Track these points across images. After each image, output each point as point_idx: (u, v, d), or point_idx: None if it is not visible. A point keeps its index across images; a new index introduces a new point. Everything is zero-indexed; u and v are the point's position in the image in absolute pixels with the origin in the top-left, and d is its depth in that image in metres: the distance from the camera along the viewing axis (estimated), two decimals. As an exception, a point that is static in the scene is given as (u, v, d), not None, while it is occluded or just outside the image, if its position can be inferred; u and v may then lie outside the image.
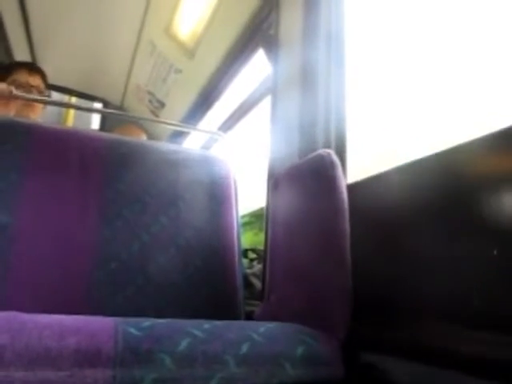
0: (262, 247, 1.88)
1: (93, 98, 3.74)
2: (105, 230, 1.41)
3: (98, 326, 0.80)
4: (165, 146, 1.80)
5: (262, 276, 1.60)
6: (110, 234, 1.41)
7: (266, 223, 1.51)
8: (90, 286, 1.32)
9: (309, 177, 1.20)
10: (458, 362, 0.74)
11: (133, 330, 0.80)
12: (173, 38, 2.58)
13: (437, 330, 0.84)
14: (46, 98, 2.10)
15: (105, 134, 1.63)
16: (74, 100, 3.69)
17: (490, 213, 0.78)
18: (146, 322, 0.84)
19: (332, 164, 1.10)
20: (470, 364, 0.72)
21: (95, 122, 4.10)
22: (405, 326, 0.92)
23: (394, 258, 1.01)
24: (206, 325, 0.89)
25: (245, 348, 0.84)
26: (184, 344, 0.80)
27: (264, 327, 0.94)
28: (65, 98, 3.69)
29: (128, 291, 1.35)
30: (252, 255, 2.05)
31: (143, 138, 3.44)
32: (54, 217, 1.38)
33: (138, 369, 0.75)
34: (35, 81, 2.15)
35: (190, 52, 2.54)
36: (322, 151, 1.24)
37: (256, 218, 2.20)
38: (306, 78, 1.50)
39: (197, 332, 0.84)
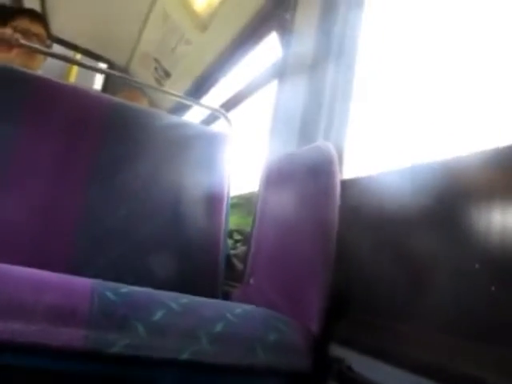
0: (247, 229, 1.89)
1: (98, 58, 3.68)
2: (92, 192, 1.40)
3: (76, 286, 0.80)
4: (166, 116, 1.79)
5: (244, 258, 1.61)
6: (97, 196, 1.40)
7: (256, 206, 1.52)
8: (72, 245, 1.32)
9: (304, 167, 1.20)
10: (424, 366, 0.75)
11: (110, 294, 0.80)
12: (187, 7, 2.54)
13: (410, 336, 0.85)
14: (49, 50, 2.06)
15: (107, 96, 1.61)
16: (78, 57, 3.63)
17: (475, 226, 0.79)
18: (124, 289, 0.84)
19: (329, 157, 1.10)
20: (439, 371, 0.73)
21: (98, 82, 4.04)
22: (379, 327, 0.93)
23: (377, 258, 1.02)
24: (184, 299, 0.89)
25: (219, 327, 0.85)
26: (159, 314, 0.81)
27: (240, 309, 0.95)
28: (69, 53, 3.63)
29: (109, 256, 1.35)
30: (237, 236, 2.05)
31: (145, 104, 3.41)
32: (43, 171, 1.36)
33: (111, 333, 0.75)
34: (37, 29, 2.10)
35: (202, 24, 2.50)
36: (320, 143, 1.24)
37: (245, 200, 2.20)
38: (315, 68, 1.49)
39: (173, 304, 0.84)
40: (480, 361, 0.69)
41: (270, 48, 2.10)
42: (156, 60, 3.18)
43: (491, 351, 0.69)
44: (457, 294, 0.80)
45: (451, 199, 0.87)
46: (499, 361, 0.67)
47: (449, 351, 0.75)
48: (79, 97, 1.48)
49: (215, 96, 2.75)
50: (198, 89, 2.87)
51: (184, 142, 1.61)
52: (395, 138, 1.23)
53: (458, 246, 0.83)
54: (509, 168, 0.78)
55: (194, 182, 1.59)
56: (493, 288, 0.72)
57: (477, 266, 0.75)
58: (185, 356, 0.80)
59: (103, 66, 3.71)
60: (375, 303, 0.99)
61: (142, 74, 3.48)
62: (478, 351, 0.71)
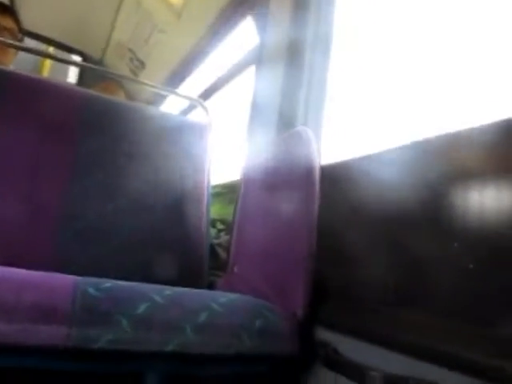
0: (230, 218, 1.89)
1: (72, 50, 3.60)
2: (73, 188, 1.38)
3: (57, 283, 0.79)
4: (143, 107, 1.76)
5: (228, 247, 1.61)
6: (79, 192, 1.38)
7: (238, 195, 1.51)
8: (55, 242, 1.30)
9: (284, 154, 1.20)
10: (405, 345, 0.77)
11: (92, 290, 0.79)
12: (160, -4, 2.50)
13: (391, 317, 0.86)
14: (22, 44, 2.01)
15: (82, 89, 1.58)
16: (51, 50, 3.55)
17: (453, 207, 0.80)
18: (107, 284, 0.84)
19: (308, 142, 1.10)
20: (420, 349, 0.74)
21: (72, 75, 3.97)
22: (360, 309, 0.95)
23: (359, 242, 1.03)
24: (167, 291, 0.89)
25: (203, 317, 0.85)
26: (142, 308, 0.80)
27: (224, 298, 0.95)
28: (42, 47, 3.54)
29: (94, 252, 1.34)
30: (220, 226, 2.04)
31: (121, 96, 3.36)
32: (21, 169, 1.34)
33: (94, 328, 0.75)
34: (7, 22, 2.04)
35: (176, 12, 2.46)
36: (299, 128, 1.24)
37: (227, 189, 2.19)
38: (292, 54, 1.48)
39: (157, 297, 0.84)
40: (460, 337, 0.71)
41: (246, 34, 2.08)
42: (131, 50, 3.13)
43: (469, 328, 0.71)
44: (436, 273, 0.81)
45: (429, 181, 0.88)
46: (478, 337, 0.68)
47: (429, 329, 0.76)
48: (54, 91, 1.45)
49: (192, 85, 2.72)
50: (175, 78, 2.84)
51: (162, 134, 1.60)
52: (372, 122, 1.23)
53: (437, 227, 0.84)
54: (484, 148, 0.79)
55: (174, 174, 1.58)
56: (471, 266, 0.73)
57: (456, 244, 0.76)
58: (170, 348, 0.80)
59: (77, 58, 3.64)
60: (358, 286, 1.00)
61: (117, 65, 3.42)
62: (458, 328, 0.72)
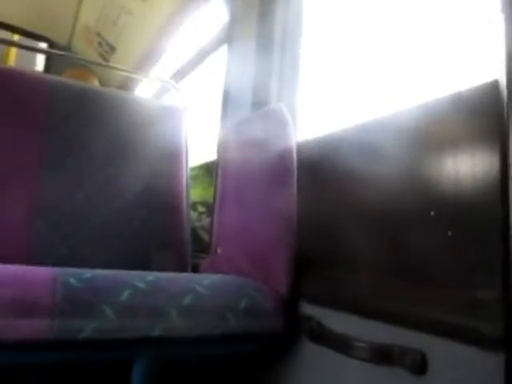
0: (211, 201, 1.88)
1: (38, 37, 3.49)
2: (45, 178, 1.35)
3: (37, 276, 0.78)
4: (114, 92, 1.73)
5: (210, 229, 1.60)
6: (51, 182, 1.35)
7: (216, 177, 1.51)
8: (30, 235, 1.28)
9: (260, 131, 1.19)
10: (389, 315, 0.78)
11: (73, 281, 0.78)
12: (124, -24, 2.43)
13: (372, 286, 0.87)
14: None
15: (48, 76, 1.54)
16: (16, 38, 3.43)
17: (428, 175, 0.81)
18: (88, 273, 0.83)
19: (283, 119, 1.10)
20: (400, 317, 0.76)
21: (40, 63, 3.85)
22: (342, 281, 0.96)
23: (336, 215, 1.04)
24: (150, 277, 0.88)
25: (188, 300, 0.85)
26: (125, 295, 0.80)
27: (208, 279, 0.95)
28: (6, 35, 3.43)
29: (72, 242, 1.32)
30: (201, 208, 2.04)
31: (94, 82, 3.28)
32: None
33: (78, 319, 0.74)
34: None
35: (142, -7, 2.40)
36: (274, 105, 1.23)
37: (206, 171, 2.18)
38: (263, 30, 1.46)
39: (139, 283, 0.84)
40: (441, 303, 0.72)
41: (216, 12, 2.04)
42: (99, 35, 3.05)
43: (450, 293, 0.72)
44: (416, 241, 0.82)
45: (403, 152, 0.88)
46: (458, 301, 0.70)
47: (412, 297, 0.78)
48: (19, 79, 1.41)
49: (165, 67, 2.67)
50: (146, 61, 2.78)
51: (136, 118, 1.57)
52: (343, 97, 1.23)
53: (415, 197, 0.85)
54: (454, 118, 0.80)
55: (149, 158, 1.56)
56: (449, 233, 0.74)
57: (432, 213, 0.77)
58: (156, 333, 0.80)
59: (44, 45, 3.53)
60: (340, 259, 1.01)
61: (86, 50, 3.33)
62: (439, 294, 0.74)
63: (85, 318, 0.74)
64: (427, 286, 0.77)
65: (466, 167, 0.76)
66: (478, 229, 0.72)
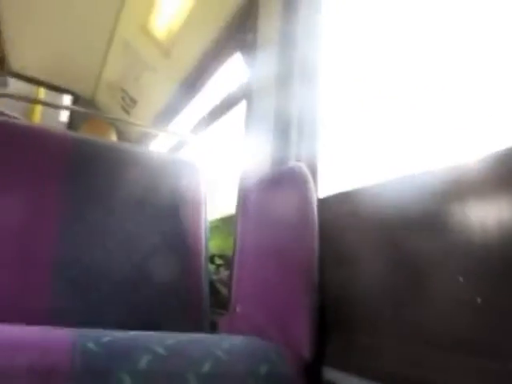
0: (229, 253, 1.87)
1: (63, 91, 3.63)
2: (65, 234, 1.36)
3: (55, 340, 0.77)
4: (132, 147, 1.76)
5: (229, 284, 1.58)
6: (71, 238, 1.36)
7: (235, 230, 1.50)
8: (49, 292, 1.27)
9: (280, 189, 1.19)
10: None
11: (92, 345, 0.77)
12: (148, 35, 2.53)
13: (399, 353, 0.84)
14: (13, 92, 2.02)
15: (70, 133, 1.58)
16: (42, 91, 3.57)
17: (457, 237, 0.79)
18: (106, 337, 0.81)
19: (303, 177, 1.10)
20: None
21: (64, 113, 3.98)
22: (369, 346, 0.92)
23: (361, 276, 1.01)
24: (169, 340, 0.86)
25: (207, 366, 0.83)
26: (144, 361, 0.78)
27: (228, 342, 0.93)
28: (33, 88, 3.57)
29: (91, 298, 1.31)
30: (219, 261, 2.03)
31: (112, 133, 3.37)
32: (9, 218, 1.32)
33: (96, 388, 0.72)
34: None
35: (165, 51, 2.49)
36: (293, 164, 1.24)
37: (225, 222, 2.18)
38: (282, 86, 1.49)
39: (158, 348, 0.82)
40: (466, 372, 0.69)
41: (236, 69, 2.10)
42: (122, 89, 3.16)
43: (475, 362, 0.69)
44: (443, 307, 0.80)
45: (429, 210, 0.87)
46: (486, 371, 0.67)
47: (440, 367, 0.74)
48: (42, 137, 1.45)
49: (184, 121, 2.74)
50: (167, 114, 2.86)
51: (155, 173, 1.59)
52: (366, 153, 1.23)
53: (443, 260, 0.83)
54: (483, 179, 0.79)
55: (168, 212, 1.57)
56: (479, 300, 0.72)
57: (461, 279, 0.75)
58: (175, 402, 0.77)
59: (68, 98, 3.66)
60: (364, 323, 0.98)
61: (109, 103, 3.45)
62: (465, 362, 0.70)
63: (103, 387, 0.72)
64: (457, 355, 0.74)
65: (494, 229, 0.75)
66: (508, 295, 0.70)
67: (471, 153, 0.81)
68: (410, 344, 0.85)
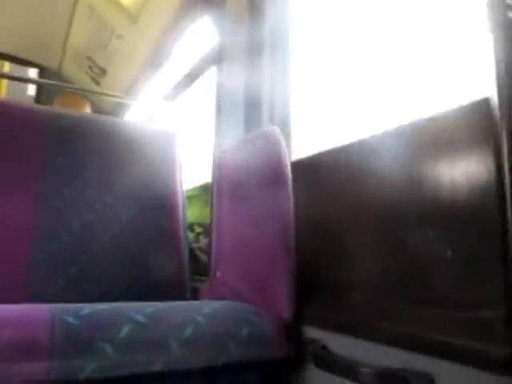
0: (208, 221, 1.87)
1: (28, 64, 3.50)
2: (43, 209, 1.34)
3: (33, 317, 0.76)
4: (107, 118, 1.73)
5: (209, 251, 1.59)
6: (49, 213, 1.35)
7: (212, 198, 1.50)
8: (29, 269, 1.26)
9: (253, 153, 1.19)
10: (395, 338, 0.77)
11: (71, 319, 0.77)
12: (113, 1, 2.44)
13: (376, 308, 0.86)
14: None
15: (41, 107, 1.54)
16: (7, 65, 3.44)
17: (425, 195, 0.80)
18: (85, 310, 0.81)
19: (276, 141, 1.09)
20: (407, 340, 0.74)
21: (32, 88, 3.85)
22: (347, 303, 0.95)
23: (337, 236, 1.03)
24: (149, 308, 0.87)
25: (188, 331, 0.84)
26: (125, 330, 0.78)
27: (208, 307, 0.94)
28: (-3, 62, 3.44)
29: (71, 272, 1.31)
30: (198, 229, 2.03)
31: (86, 106, 3.29)
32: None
33: (77, 359, 0.73)
34: None
35: (132, 17, 2.41)
36: (266, 128, 1.23)
37: (202, 191, 2.17)
38: (252, 52, 1.46)
39: (139, 317, 0.82)
40: (447, 325, 0.71)
41: (205, 34, 2.05)
42: (89, 58, 3.06)
43: (455, 314, 0.71)
44: (419, 262, 0.82)
45: (399, 168, 0.88)
46: (464, 322, 0.69)
47: (417, 319, 0.77)
48: (10, 112, 1.40)
49: (156, 88, 2.68)
50: (138, 82, 2.79)
51: (129, 144, 1.57)
52: (334, 115, 1.23)
53: (413, 216, 0.84)
54: (452, 130, 0.80)
55: (144, 182, 1.55)
56: (449, 253, 0.74)
57: (431, 233, 0.77)
58: (157, 367, 0.78)
59: (34, 71, 3.54)
60: (343, 281, 1.00)
61: (77, 74, 3.34)
62: (444, 316, 0.73)
63: (84, 357, 0.73)
64: (432, 307, 0.76)
65: (464, 183, 0.76)
66: (479, 248, 0.72)
67: (438, 108, 0.82)
68: (389, 299, 0.87)
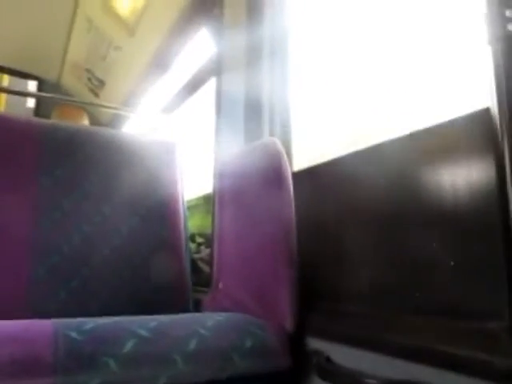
0: (209, 231, 1.87)
1: (27, 76, 3.51)
2: (42, 222, 1.34)
3: (36, 332, 0.76)
4: (105, 130, 1.73)
5: (210, 261, 1.59)
6: (49, 225, 1.35)
7: (213, 208, 1.50)
8: (30, 283, 1.26)
9: (254, 164, 1.19)
10: (399, 349, 0.77)
11: (74, 334, 0.77)
12: (111, 14, 2.46)
13: (379, 319, 0.86)
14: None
15: (39, 120, 1.54)
16: (6, 78, 3.45)
17: (428, 204, 0.81)
18: (89, 324, 0.81)
19: (276, 152, 1.09)
20: (411, 351, 0.74)
21: (31, 100, 3.86)
22: (350, 314, 0.95)
23: (340, 247, 1.03)
24: (153, 322, 0.87)
25: (192, 344, 0.84)
26: (129, 345, 0.78)
27: (211, 320, 0.94)
28: (-4, 74, 3.44)
29: (72, 285, 1.30)
30: (199, 239, 2.03)
31: (84, 118, 3.29)
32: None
33: (81, 374, 0.72)
34: None
35: (130, 29, 2.43)
36: (266, 139, 1.23)
37: (204, 201, 2.17)
38: (251, 62, 1.47)
39: (142, 331, 0.82)
40: (450, 335, 0.71)
41: (203, 46, 2.06)
42: (88, 70, 3.08)
43: (458, 324, 0.71)
44: (420, 272, 0.82)
45: (402, 177, 0.89)
46: (468, 333, 0.69)
47: (421, 330, 0.77)
48: (8, 126, 1.41)
49: (155, 100, 2.69)
50: (136, 94, 2.80)
51: (129, 155, 1.57)
52: (337, 124, 1.24)
53: (415, 224, 0.84)
54: (453, 140, 0.80)
55: (145, 194, 1.55)
56: (452, 263, 0.74)
57: (434, 244, 0.77)
58: (162, 382, 0.78)
59: (33, 83, 3.55)
60: (346, 291, 1.00)
61: (76, 86, 3.36)
62: (447, 326, 0.73)
63: (88, 373, 0.72)
64: (436, 318, 0.76)
65: (465, 193, 0.76)
66: (482, 257, 0.72)
67: (441, 117, 0.82)
68: (393, 310, 0.87)
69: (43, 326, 0.78)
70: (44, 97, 3.06)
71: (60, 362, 0.71)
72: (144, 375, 0.77)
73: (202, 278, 1.77)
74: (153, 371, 0.78)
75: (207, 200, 2.15)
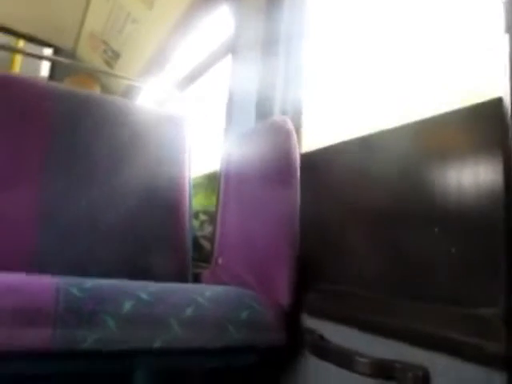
0: (213, 209, 1.88)
1: (43, 43, 3.51)
2: (49, 185, 1.35)
3: (40, 286, 0.78)
4: (118, 100, 1.74)
5: (211, 238, 1.60)
6: (56, 188, 1.36)
7: (219, 186, 1.51)
8: (34, 241, 1.27)
9: (263, 143, 1.19)
10: (392, 330, 0.78)
11: (75, 291, 0.78)
12: (131, -15, 2.45)
13: (374, 301, 0.87)
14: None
15: (52, 84, 1.55)
16: (21, 44, 3.46)
17: (431, 192, 0.81)
18: (90, 283, 0.83)
19: (287, 131, 1.10)
20: (403, 333, 0.75)
21: (45, 68, 3.87)
22: (346, 295, 0.96)
23: (340, 229, 1.04)
24: (152, 287, 0.88)
25: (189, 311, 0.85)
26: (128, 306, 0.80)
27: (210, 291, 0.95)
28: (12, 40, 3.45)
29: (75, 249, 1.32)
30: (203, 217, 2.04)
31: (96, 89, 3.30)
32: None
33: (80, 329, 0.74)
34: None
35: (148, 2, 2.42)
36: (277, 117, 1.23)
37: (209, 179, 2.18)
38: (268, 43, 1.47)
39: (142, 294, 0.84)
40: (444, 319, 0.72)
41: (222, 23, 2.05)
42: (104, 42, 3.07)
43: (453, 309, 0.72)
44: (420, 258, 0.83)
45: (407, 165, 0.89)
46: (461, 318, 0.70)
47: (414, 313, 0.78)
48: (23, 87, 1.41)
49: (170, 74, 2.68)
50: (151, 68, 2.79)
51: (139, 127, 1.58)
52: (348, 108, 1.23)
53: (419, 212, 0.85)
54: (458, 131, 0.80)
55: (152, 166, 1.56)
56: (453, 250, 0.74)
57: (436, 229, 0.77)
58: (158, 344, 0.80)
59: (49, 51, 3.55)
60: (343, 272, 1.01)
61: (91, 56, 3.36)
62: (442, 311, 0.74)
63: (87, 328, 0.74)
64: (430, 302, 0.77)
65: (470, 183, 0.77)
66: (481, 246, 0.73)
67: (448, 107, 0.82)
68: (387, 292, 0.88)
69: (47, 281, 0.80)
70: (58, 63, 3.06)
71: (60, 316, 0.73)
72: (140, 336, 0.79)
73: (203, 255, 1.79)
74: (149, 333, 0.79)
75: (211, 179, 2.16)
